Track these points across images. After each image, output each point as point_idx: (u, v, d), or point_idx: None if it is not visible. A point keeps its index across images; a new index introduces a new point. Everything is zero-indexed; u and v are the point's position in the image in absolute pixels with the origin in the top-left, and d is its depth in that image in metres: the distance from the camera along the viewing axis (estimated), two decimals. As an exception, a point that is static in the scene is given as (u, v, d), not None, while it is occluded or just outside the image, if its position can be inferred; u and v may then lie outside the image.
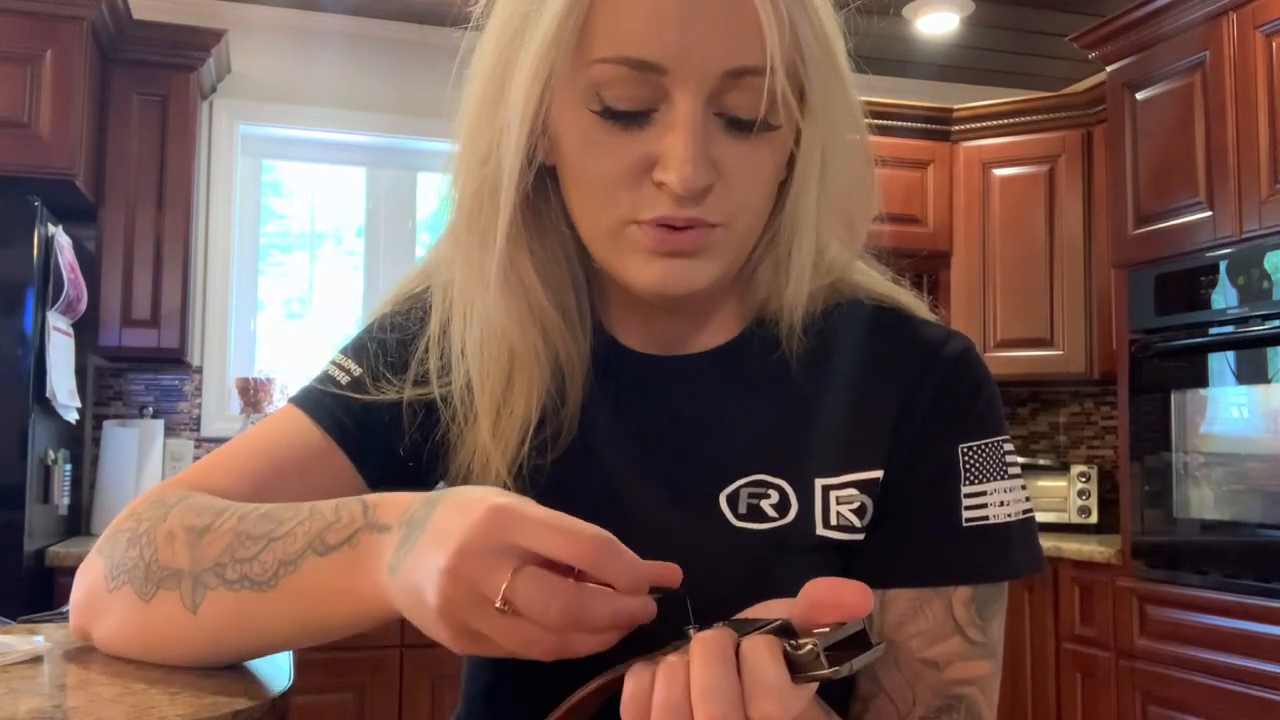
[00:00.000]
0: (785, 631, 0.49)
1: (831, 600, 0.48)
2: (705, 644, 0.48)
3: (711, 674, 0.46)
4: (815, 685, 0.48)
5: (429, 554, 0.51)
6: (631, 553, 0.51)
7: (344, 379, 0.76)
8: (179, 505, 0.66)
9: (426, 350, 0.74)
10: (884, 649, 0.50)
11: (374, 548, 0.56)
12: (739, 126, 0.62)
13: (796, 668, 0.47)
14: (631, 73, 0.60)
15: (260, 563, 0.60)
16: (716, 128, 0.62)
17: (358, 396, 0.74)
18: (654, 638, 0.51)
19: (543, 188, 0.69)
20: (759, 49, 0.60)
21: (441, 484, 0.79)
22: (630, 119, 0.62)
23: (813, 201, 0.68)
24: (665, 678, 0.48)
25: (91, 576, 0.68)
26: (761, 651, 0.47)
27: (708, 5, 0.59)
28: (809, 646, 0.47)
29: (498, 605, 0.48)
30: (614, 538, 0.50)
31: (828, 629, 0.47)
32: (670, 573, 0.53)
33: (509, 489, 0.71)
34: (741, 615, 0.51)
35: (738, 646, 0.48)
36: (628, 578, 0.50)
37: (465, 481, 0.74)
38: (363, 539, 0.57)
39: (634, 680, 0.49)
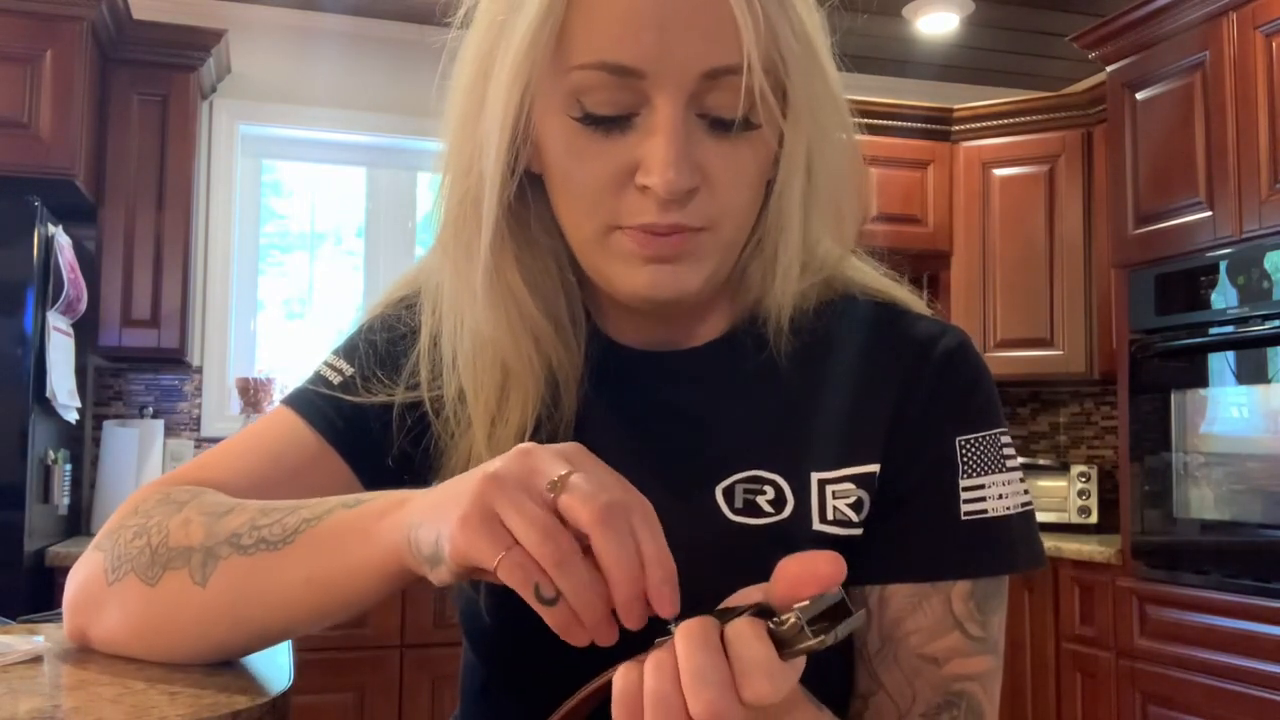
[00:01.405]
0: (765, 613, 0.49)
1: (807, 574, 0.49)
2: (689, 632, 0.48)
3: (699, 659, 0.47)
4: (804, 661, 0.48)
5: (496, 459, 0.54)
6: (665, 555, 0.51)
7: (336, 379, 0.76)
8: (194, 501, 0.66)
9: (418, 361, 0.74)
10: (865, 616, 0.50)
11: (407, 494, 0.58)
12: (721, 127, 0.62)
13: (782, 644, 0.47)
14: (610, 78, 0.60)
15: (282, 525, 0.61)
16: (699, 129, 0.62)
17: (349, 398, 0.74)
18: (641, 639, 0.52)
19: (530, 195, 0.69)
20: (735, 48, 0.60)
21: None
22: (612, 124, 0.62)
23: (797, 200, 0.67)
24: (654, 670, 0.48)
25: (88, 572, 0.67)
26: (746, 633, 0.47)
27: (683, 7, 0.59)
28: (791, 620, 0.47)
29: (553, 479, 0.51)
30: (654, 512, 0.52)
31: (807, 603, 0.48)
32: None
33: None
34: (721, 606, 0.52)
35: (722, 634, 0.48)
36: (652, 545, 0.51)
37: None
38: (398, 494, 0.59)
39: (623, 678, 0.49)
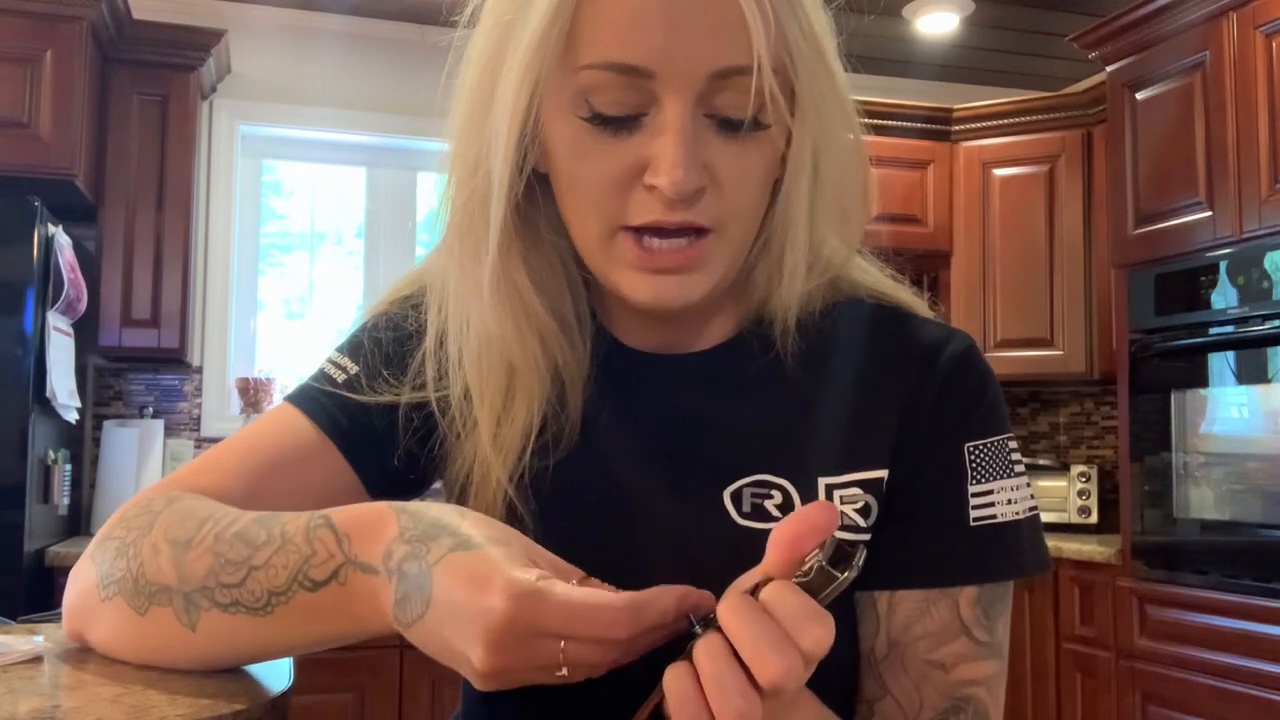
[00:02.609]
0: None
1: (806, 528, 0.50)
2: (708, 647, 0.49)
3: (719, 667, 0.48)
4: (831, 625, 0.49)
5: (457, 639, 0.51)
6: (658, 599, 0.51)
7: (340, 377, 0.76)
8: (164, 513, 0.65)
9: (423, 361, 0.74)
10: (863, 546, 0.53)
11: (366, 589, 0.55)
12: (729, 127, 0.62)
13: (813, 592, 0.49)
14: (619, 78, 0.60)
15: (249, 591, 0.59)
16: (707, 129, 0.62)
17: (354, 396, 0.74)
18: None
19: (535, 195, 0.68)
20: (745, 48, 0.59)
21: (438, 484, 0.79)
22: (620, 124, 0.62)
23: (804, 200, 0.67)
24: (705, 658, 0.49)
25: (84, 583, 0.67)
26: (781, 591, 0.49)
27: (692, 7, 0.59)
28: (815, 569, 0.49)
29: (560, 674, 0.50)
30: (636, 599, 0.51)
31: (816, 552, 0.50)
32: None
33: (510, 497, 0.71)
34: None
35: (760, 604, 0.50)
36: (664, 627, 0.52)
37: (464, 489, 0.74)
38: (350, 577, 0.56)
39: (674, 678, 0.50)
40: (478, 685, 0.52)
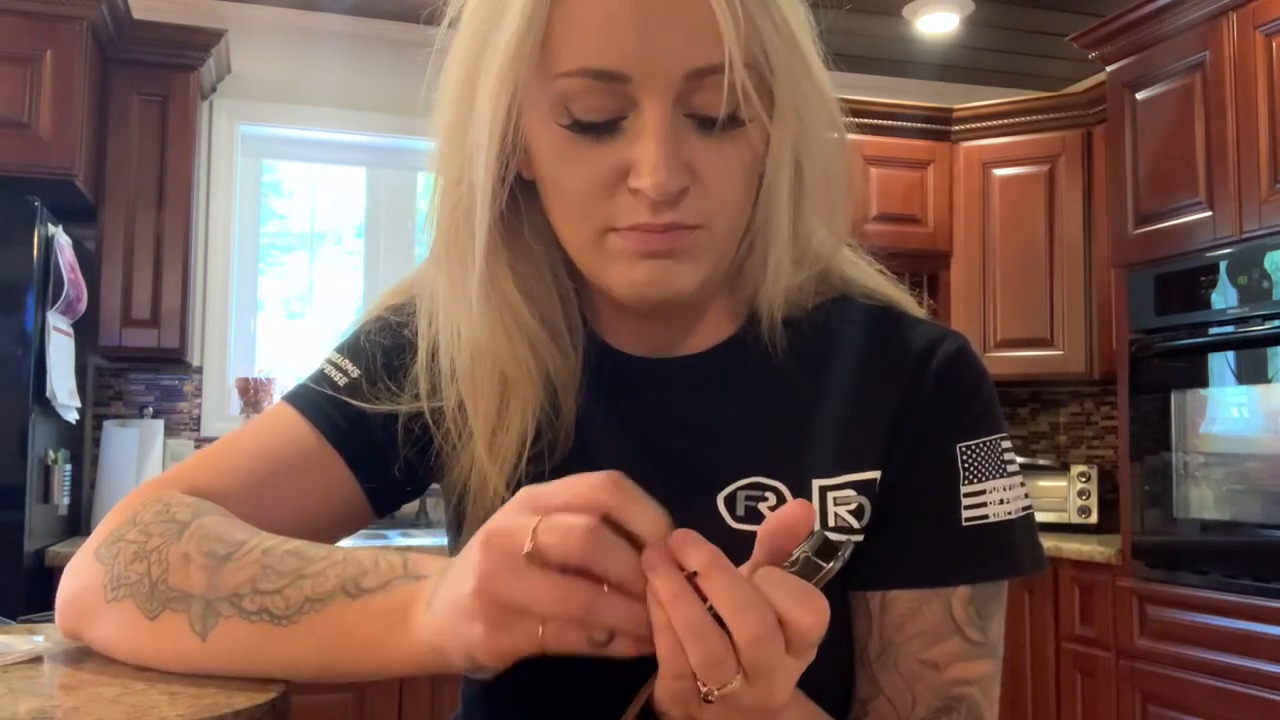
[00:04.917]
0: None
1: (785, 526, 0.51)
2: (716, 562, 0.49)
3: (737, 587, 0.48)
4: (825, 603, 0.49)
5: (466, 554, 0.52)
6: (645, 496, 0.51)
7: (342, 380, 0.75)
8: (194, 525, 0.65)
9: (418, 372, 0.74)
10: (851, 542, 0.52)
11: (409, 595, 0.56)
12: (708, 126, 0.62)
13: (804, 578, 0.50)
14: (596, 83, 0.60)
15: (284, 597, 0.59)
16: (687, 129, 0.62)
17: (354, 402, 0.74)
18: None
19: (522, 202, 0.69)
20: (718, 47, 0.59)
21: (436, 484, 0.79)
22: (600, 129, 0.62)
23: (785, 195, 0.67)
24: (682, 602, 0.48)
25: (86, 580, 0.66)
26: (773, 575, 0.49)
27: (663, 8, 0.59)
28: (801, 559, 0.50)
29: (527, 549, 0.49)
30: (621, 474, 0.50)
31: (802, 545, 0.51)
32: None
33: (506, 502, 0.71)
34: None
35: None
36: (645, 515, 0.50)
37: (462, 497, 0.74)
38: (398, 588, 0.57)
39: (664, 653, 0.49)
40: (465, 615, 0.51)
